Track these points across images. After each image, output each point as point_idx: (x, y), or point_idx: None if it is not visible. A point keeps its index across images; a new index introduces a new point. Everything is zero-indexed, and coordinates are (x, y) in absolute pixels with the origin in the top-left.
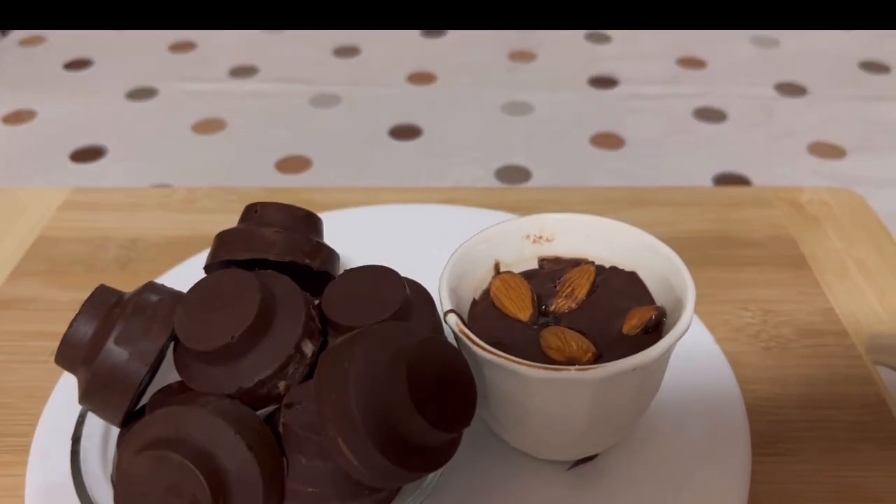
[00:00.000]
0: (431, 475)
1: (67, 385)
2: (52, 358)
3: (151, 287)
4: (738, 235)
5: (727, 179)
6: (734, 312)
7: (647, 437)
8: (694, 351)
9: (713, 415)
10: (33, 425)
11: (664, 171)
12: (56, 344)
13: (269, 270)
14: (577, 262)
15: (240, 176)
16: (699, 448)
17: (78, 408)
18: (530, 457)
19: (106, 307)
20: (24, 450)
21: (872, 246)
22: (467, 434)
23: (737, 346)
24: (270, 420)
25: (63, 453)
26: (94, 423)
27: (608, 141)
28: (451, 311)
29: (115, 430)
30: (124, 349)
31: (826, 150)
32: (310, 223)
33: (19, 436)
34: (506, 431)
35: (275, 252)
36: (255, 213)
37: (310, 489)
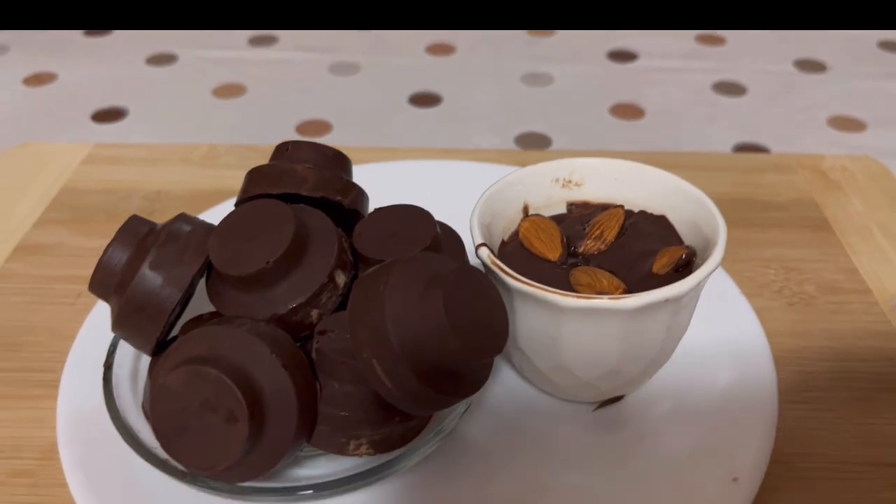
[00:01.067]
0: (458, 408)
1: (96, 320)
2: (78, 300)
3: (184, 218)
4: (759, 199)
5: (747, 149)
6: (757, 270)
7: (674, 382)
8: (720, 301)
9: (740, 362)
10: (60, 362)
11: (684, 141)
12: (82, 287)
13: (302, 204)
14: (605, 207)
15: (260, 138)
16: (726, 394)
17: (107, 342)
18: (556, 399)
19: (139, 236)
20: (51, 384)
21: (895, 210)
22: (493, 378)
23: (760, 301)
24: (303, 348)
25: (92, 384)
26: (124, 354)
27: (628, 111)
28: (483, 244)
29: (144, 364)
30: (158, 274)
31: (846, 124)
32: (340, 163)
33: (46, 371)
34: (533, 370)
35: (307, 187)
36: (286, 150)
37: (342, 413)
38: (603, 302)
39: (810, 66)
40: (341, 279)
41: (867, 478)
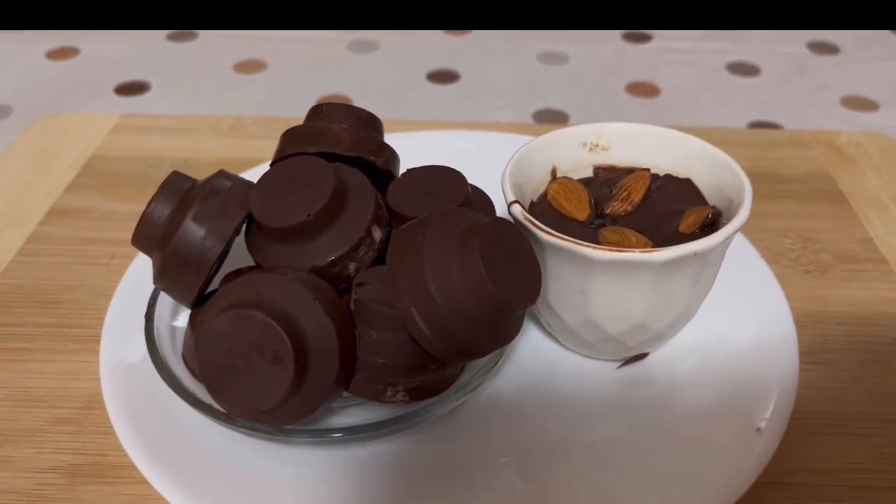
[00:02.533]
0: (486, 363)
1: (132, 278)
2: (112, 261)
3: (224, 174)
4: (776, 172)
5: (761, 128)
6: (774, 239)
7: (697, 341)
8: (741, 265)
9: (761, 322)
10: (96, 318)
11: (700, 119)
12: (115, 249)
13: (338, 163)
14: (631, 170)
15: (281, 112)
16: (748, 352)
17: (143, 299)
18: (582, 357)
19: (181, 190)
20: (89, 339)
21: None
22: (521, 337)
23: (778, 268)
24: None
25: (132, 337)
26: (162, 308)
27: (644, 89)
28: (515, 201)
29: (181, 321)
30: (201, 226)
31: (859, 104)
32: (373, 125)
33: (85, 327)
34: (561, 326)
35: (342, 147)
36: (321, 112)
37: (380, 360)
38: (634, 255)
39: (823, 48)
40: (377, 234)
41: (883, 434)
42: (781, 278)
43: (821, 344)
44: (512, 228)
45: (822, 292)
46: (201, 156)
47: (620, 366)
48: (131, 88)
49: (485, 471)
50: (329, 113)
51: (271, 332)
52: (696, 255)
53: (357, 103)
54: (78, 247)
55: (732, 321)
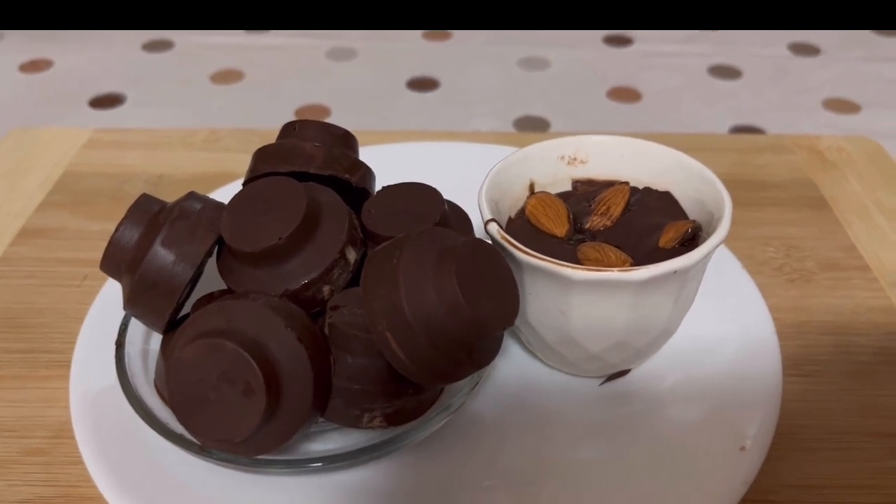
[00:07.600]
0: (467, 384)
1: (105, 301)
2: (84, 282)
3: (194, 196)
4: (757, 178)
5: (744, 131)
6: (757, 248)
7: (680, 357)
8: (723, 276)
9: (744, 336)
10: (68, 343)
11: (681, 123)
12: (88, 269)
13: (311, 182)
14: (610, 184)
15: (260, 123)
16: (731, 368)
17: (116, 322)
18: (563, 374)
19: (150, 213)
20: (60, 365)
21: (891, 189)
22: (501, 355)
23: (761, 278)
24: (315, 324)
25: (103, 363)
26: (134, 333)
27: (625, 94)
28: (492, 220)
29: (154, 345)
30: (171, 251)
31: (841, 106)
32: (347, 142)
33: (55, 352)
34: (542, 344)
35: (315, 165)
36: (294, 130)
37: (355, 386)
38: (613, 274)
39: (804, 49)
40: (352, 255)
41: (869, 447)
42: (765, 288)
43: (806, 355)
44: (488, 248)
45: (806, 302)
46: (176, 171)
47: (603, 382)
48: (106, 101)
49: (468, 494)
50: (302, 130)
51: (242, 362)
52: (675, 272)
53: (336, 113)
54: (49, 268)
55: (715, 336)
